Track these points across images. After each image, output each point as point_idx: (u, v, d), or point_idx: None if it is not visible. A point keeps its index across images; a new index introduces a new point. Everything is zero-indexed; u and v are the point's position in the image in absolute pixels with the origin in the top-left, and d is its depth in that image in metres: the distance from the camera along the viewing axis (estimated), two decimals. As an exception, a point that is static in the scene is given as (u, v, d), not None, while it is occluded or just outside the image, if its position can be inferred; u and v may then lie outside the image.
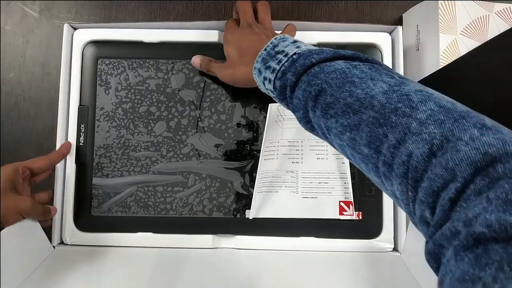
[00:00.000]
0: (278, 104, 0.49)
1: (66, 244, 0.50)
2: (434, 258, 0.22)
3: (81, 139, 0.51)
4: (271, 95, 0.38)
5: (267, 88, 0.38)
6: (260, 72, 0.38)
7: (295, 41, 0.37)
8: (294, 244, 0.50)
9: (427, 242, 0.23)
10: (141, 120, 0.51)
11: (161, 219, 0.50)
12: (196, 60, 0.49)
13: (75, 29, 0.52)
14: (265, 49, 0.38)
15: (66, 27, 0.51)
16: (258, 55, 0.38)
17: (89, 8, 0.57)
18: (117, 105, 0.51)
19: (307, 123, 0.35)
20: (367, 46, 0.52)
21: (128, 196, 0.50)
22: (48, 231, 0.48)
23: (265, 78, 0.37)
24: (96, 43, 0.51)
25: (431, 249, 0.22)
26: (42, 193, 0.48)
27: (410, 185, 0.24)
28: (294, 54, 0.35)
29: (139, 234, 0.50)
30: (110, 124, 0.51)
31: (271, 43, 0.38)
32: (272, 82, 0.36)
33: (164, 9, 0.58)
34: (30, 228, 0.44)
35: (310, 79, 0.32)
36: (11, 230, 0.40)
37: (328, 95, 0.30)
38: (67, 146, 0.50)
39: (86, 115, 0.51)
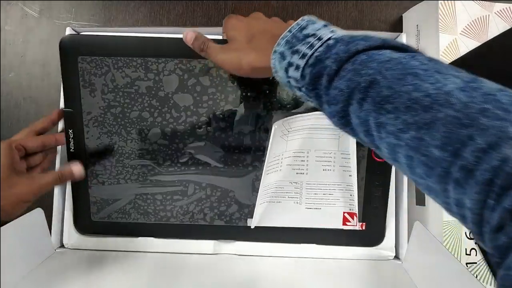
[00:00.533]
0: (282, 120, 0.47)
1: (66, 248, 0.50)
2: None
3: (71, 145, 0.48)
4: (294, 84, 0.33)
5: (289, 76, 0.33)
6: (283, 56, 0.33)
7: (326, 25, 0.33)
8: (295, 251, 0.50)
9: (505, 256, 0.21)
10: (133, 126, 0.48)
11: (162, 226, 0.50)
12: (189, 35, 0.41)
13: (78, 33, 0.50)
14: (290, 31, 0.33)
15: (68, 30, 0.50)
16: (281, 37, 0.33)
17: (89, 8, 0.57)
18: (106, 110, 0.47)
19: (342, 118, 0.30)
20: None
21: (127, 203, 0.50)
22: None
23: (290, 64, 0.32)
24: (73, 36, 0.47)
25: None
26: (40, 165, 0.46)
27: (495, 192, 0.21)
28: (330, 39, 0.31)
29: (140, 238, 0.50)
30: (101, 130, 0.48)
31: (298, 24, 0.33)
32: (300, 68, 0.31)
33: (164, 9, 0.58)
34: (34, 226, 0.44)
35: (358, 68, 0.28)
36: (13, 226, 0.40)
37: (384, 87, 0.27)
38: (58, 112, 0.47)
39: (73, 119, 0.47)
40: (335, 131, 0.49)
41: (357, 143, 0.50)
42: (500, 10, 0.49)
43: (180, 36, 0.43)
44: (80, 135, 0.48)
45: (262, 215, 0.49)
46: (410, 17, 0.56)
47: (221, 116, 0.48)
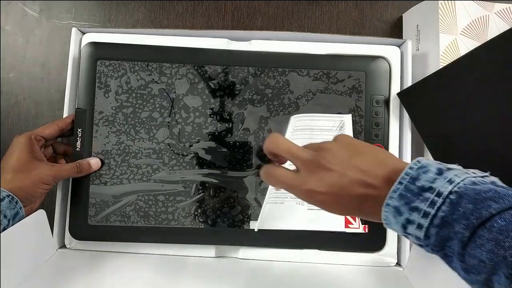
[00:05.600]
0: (295, 116, 0.49)
1: (68, 248, 0.50)
2: None
3: (78, 144, 0.49)
4: (414, 240, 0.30)
5: (408, 232, 0.29)
6: (399, 212, 0.29)
7: (440, 171, 0.29)
8: (296, 256, 0.50)
9: None
10: (142, 126, 0.50)
11: (162, 230, 0.49)
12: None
13: (83, 33, 0.51)
14: (401, 182, 0.29)
15: (74, 31, 0.50)
16: (393, 190, 0.29)
17: (89, 8, 0.57)
18: (117, 110, 0.49)
19: (484, 286, 0.27)
20: (376, 57, 0.52)
21: (127, 205, 0.49)
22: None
23: (409, 222, 0.29)
24: (95, 43, 0.50)
25: None
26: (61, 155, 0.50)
27: None
28: (451, 193, 0.27)
29: (138, 245, 0.50)
30: (110, 129, 0.49)
31: (407, 174, 0.29)
32: (423, 228, 0.28)
33: (164, 9, 0.58)
34: (36, 226, 0.44)
35: (499, 239, 0.25)
36: (16, 227, 0.40)
37: None
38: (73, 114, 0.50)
39: (84, 119, 0.49)
40: (334, 132, 0.50)
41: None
42: (500, 10, 0.50)
43: (193, 45, 0.50)
44: (89, 134, 0.49)
45: (266, 217, 0.50)
46: (410, 17, 0.56)
47: (227, 117, 0.50)
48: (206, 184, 0.50)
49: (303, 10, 0.59)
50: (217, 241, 0.50)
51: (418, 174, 0.29)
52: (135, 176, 0.49)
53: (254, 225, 0.49)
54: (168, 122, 0.50)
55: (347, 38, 0.52)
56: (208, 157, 0.50)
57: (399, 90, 0.51)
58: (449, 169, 0.29)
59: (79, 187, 0.49)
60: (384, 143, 0.51)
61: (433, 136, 0.48)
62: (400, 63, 0.52)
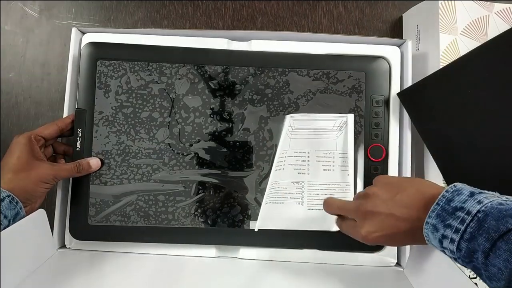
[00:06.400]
0: (290, 116, 0.49)
1: (68, 248, 0.50)
2: None
3: (78, 144, 0.49)
4: (449, 254, 0.34)
5: (444, 247, 0.34)
6: (436, 229, 0.34)
7: (472, 193, 0.33)
8: (297, 256, 0.50)
9: None
10: (142, 126, 0.50)
11: (162, 230, 0.49)
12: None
13: (83, 33, 0.51)
14: (438, 203, 0.34)
15: (74, 31, 0.50)
16: (431, 210, 0.34)
17: (89, 8, 0.57)
18: (117, 110, 0.49)
19: None
20: (376, 58, 0.51)
21: (127, 205, 0.49)
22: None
23: (444, 237, 0.33)
24: (95, 43, 0.50)
25: None
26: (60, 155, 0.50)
27: None
28: (478, 212, 0.31)
29: (138, 244, 0.50)
30: (110, 129, 0.49)
31: (443, 196, 0.34)
32: (455, 242, 0.32)
33: (164, 9, 0.58)
34: (36, 226, 0.44)
35: None
36: (16, 226, 0.40)
37: None
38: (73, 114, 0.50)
39: (84, 119, 0.49)
40: (333, 132, 0.50)
41: (354, 143, 0.50)
42: (500, 10, 0.50)
43: (193, 45, 0.50)
44: (89, 134, 0.49)
45: (266, 217, 0.50)
46: (410, 17, 0.56)
47: (227, 117, 0.50)
48: (206, 184, 0.50)
49: (303, 10, 0.59)
50: (217, 241, 0.50)
51: (453, 196, 0.33)
52: (135, 176, 0.49)
53: (254, 225, 0.49)
54: (168, 122, 0.50)
55: (347, 38, 0.52)
56: (208, 157, 0.50)
57: (399, 90, 0.51)
58: (481, 192, 0.33)
59: (79, 187, 0.49)
60: (384, 143, 0.51)
61: (433, 136, 0.48)
62: (400, 63, 0.52)
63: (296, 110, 0.50)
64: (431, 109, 0.48)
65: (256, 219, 0.49)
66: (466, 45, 0.49)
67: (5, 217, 0.39)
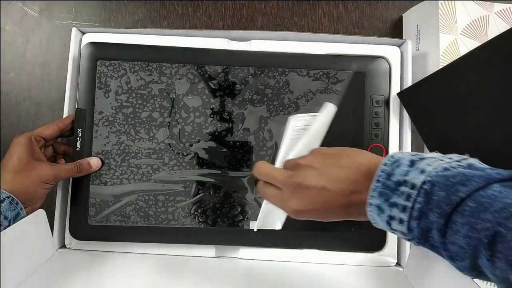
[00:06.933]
0: (293, 116, 0.46)
1: (68, 248, 0.50)
2: None
3: (78, 144, 0.49)
4: (401, 236, 0.30)
5: (393, 229, 0.30)
6: (381, 210, 0.29)
7: (412, 162, 0.29)
8: (296, 256, 0.50)
9: None
10: (142, 126, 0.50)
11: (162, 230, 0.49)
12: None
13: (83, 33, 0.51)
14: (378, 180, 0.29)
15: (74, 31, 0.50)
16: (372, 189, 0.29)
17: (89, 8, 0.57)
18: (117, 110, 0.49)
19: (474, 271, 0.27)
20: (376, 58, 0.51)
21: (127, 205, 0.49)
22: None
23: (391, 217, 0.29)
24: (95, 43, 0.50)
25: None
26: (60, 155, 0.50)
27: None
28: (424, 183, 0.27)
29: (138, 244, 0.50)
30: (110, 129, 0.49)
31: (382, 171, 0.29)
32: (405, 223, 0.28)
33: (164, 9, 0.58)
34: (36, 226, 0.44)
35: (471, 222, 0.25)
36: (16, 226, 0.40)
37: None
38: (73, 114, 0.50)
39: (84, 119, 0.49)
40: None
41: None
42: (500, 10, 0.50)
43: (193, 45, 0.50)
44: (89, 134, 0.49)
45: (265, 217, 0.50)
46: (410, 17, 0.56)
47: (227, 117, 0.50)
48: (206, 184, 0.50)
49: (303, 10, 0.59)
50: (217, 241, 0.50)
51: (393, 169, 0.29)
52: (135, 176, 0.49)
53: (254, 225, 0.49)
54: (168, 122, 0.50)
55: (347, 38, 0.52)
56: (208, 157, 0.50)
57: (399, 90, 0.51)
58: (421, 158, 0.29)
59: (79, 187, 0.49)
60: (384, 143, 0.51)
61: (433, 136, 0.48)
62: (400, 63, 0.52)
63: (296, 110, 0.50)
64: (431, 109, 0.48)
65: (255, 219, 0.49)
66: (466, 45, 0.49)
67: (5, 218, 0.39)
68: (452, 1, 0.49)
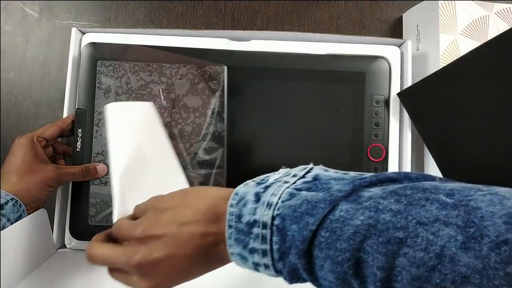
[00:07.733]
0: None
1: (68, 248, 0.50)
2: None
3: (78, 144, 0.49)
4: (275, 276, 0.28)
5: (264, 273, 0.28)
6: (244, 258, 0.27)
7: (257, 195, 0.27)
8: None
9: None
10: None
11: None
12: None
13: (83, 33, 0.51)
14: (229, 225, 0.26)
15: (74, 31, 0.50)
16: (227, 237, 0.27)
17: (89, 8, 0.57)
18: None
19: None
20: (376, 58, 0.52)
21: None
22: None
23: (256, 264, 0.27)
24: (95, 44, 0.50)
25: None
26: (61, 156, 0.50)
27: None
28: (273, 218, 0.25)
29: None
30: None
31: (231, 214, 0.27)
32: (270, 267, 0.26)
33: (164, 9, 0.58)
34: (37, 226, 0.44)
35: (330, 255, 0.23)
36: (17, 226, 0.40)
37: (376, 267, 0.22)
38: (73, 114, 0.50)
39: (84, 119, 0.49)
40: None
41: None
42: (500, 10, 0.50)
43: (193, 45, 0.50)
44: (89, 134, 0.49)
45: None
46: (410, 17, 0.56)
47: (227, 117, 0.50)
48: (206, 184, 0.50)
49: (303, 10, 0.59)
50: None
51: (240, 209, 0.26)
52: None
53: None
54: (168, 122, 0.50)
55: (347, 38, 0.52)
56: (208, 157, 0.50)
57: (399, 90, 0.51)
58: (266, 187, 0.27)
59: (79, 187, 0.49)
60: (384, 143, 0.51)
61: (433, 136, 0.48)
62: (400, 63, 0.52)
63: (296, 110, 0.50)
64: (431, 109, 0.48)
65: None
66: (466, 45, 0.49)
67: (8, 220, 0.39)
68: (452, 1, 0.49)
